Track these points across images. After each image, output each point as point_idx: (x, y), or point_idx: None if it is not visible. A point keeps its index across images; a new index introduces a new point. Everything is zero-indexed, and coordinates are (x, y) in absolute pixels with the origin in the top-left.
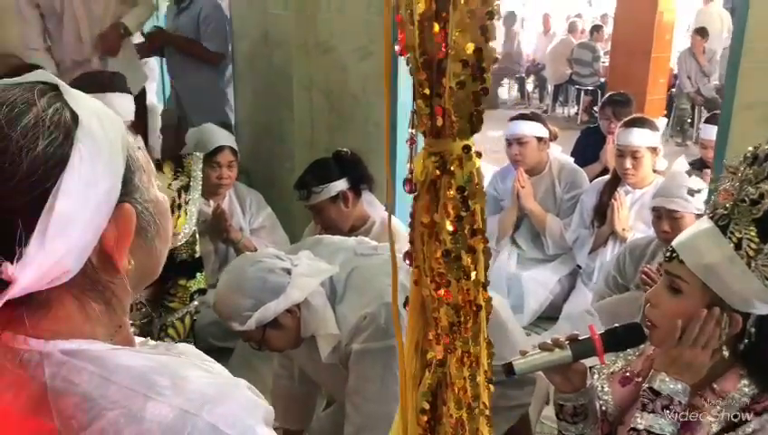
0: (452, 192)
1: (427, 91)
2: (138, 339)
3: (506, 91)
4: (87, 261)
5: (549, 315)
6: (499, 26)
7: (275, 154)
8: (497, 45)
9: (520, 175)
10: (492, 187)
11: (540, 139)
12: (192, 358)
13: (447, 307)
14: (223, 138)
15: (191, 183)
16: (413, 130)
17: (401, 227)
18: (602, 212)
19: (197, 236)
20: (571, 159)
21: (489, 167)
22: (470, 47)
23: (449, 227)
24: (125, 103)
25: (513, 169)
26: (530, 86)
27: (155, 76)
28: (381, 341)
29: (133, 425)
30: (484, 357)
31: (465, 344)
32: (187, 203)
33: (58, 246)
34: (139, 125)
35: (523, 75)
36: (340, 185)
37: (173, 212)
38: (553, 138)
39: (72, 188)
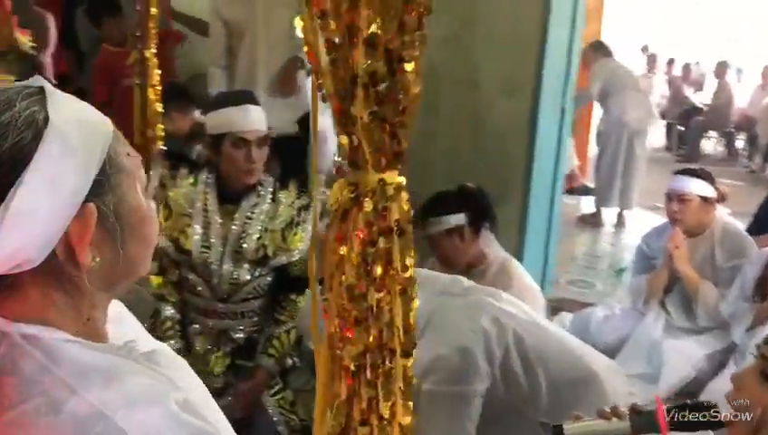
0: (360, 225)
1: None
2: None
3: (712, 145)
4: (53, 253)
5: (691, 391)
6: (710, 75)
7: (414, 182)
8: (705, 96)
9: (676, 235)
10: (645, 243)
11: (705, 198)
12: (159, 366)
13: (350, 347)
14: None
15: (312, 203)
16: (339, 159)
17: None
18: (766, 286)
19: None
20: (740, 224)
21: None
22: (381, 74)
23: (354, 261)
24: (259, 115)
25: (671, 228)
26: (740, 142)
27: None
28: (451, 385)
29: (51, 414)
30: (400, 411)
31: (370, 390)
32: (305, 222)
33: (15, 237)
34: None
35: (733, 130)
36: (459, 219)
37: (291, 229)
38: (721, 199)
39: (35, 184)
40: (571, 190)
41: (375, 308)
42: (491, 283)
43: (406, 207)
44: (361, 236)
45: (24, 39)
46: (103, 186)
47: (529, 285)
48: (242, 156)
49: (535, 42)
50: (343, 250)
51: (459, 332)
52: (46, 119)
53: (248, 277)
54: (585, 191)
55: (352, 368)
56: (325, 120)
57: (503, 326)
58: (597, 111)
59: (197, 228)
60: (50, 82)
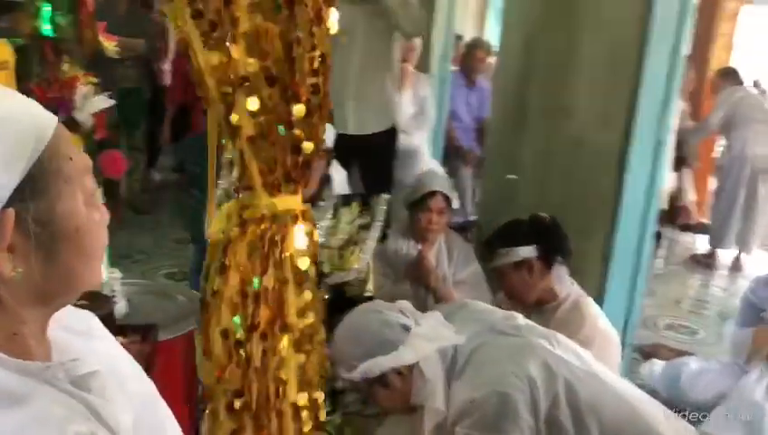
0: (240, 257)
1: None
2: None
3: None
4: None
5: None
6: None
7: (501, 212)
8: None
9: None
10: (752, 291)
11: None
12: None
13: (226, 395)
14: (438, 183)
15: (373, 223)
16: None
17: (603, 322)
18: None
19: (371, 275)
20: None
21: None
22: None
23: (231, 301)
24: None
25: None
26: None
27: None
28: (484, 432)
29: None
30: None
31: None
32: (363, 241)
33: None
34: None
35: None
36: (528, 251)
37: (348, 247)
38: None
39: None
40: (687, 227)
41: (257, 361)
42: (561, 322)
43: (310, 241)
44: (241, 271)
45: (110, 45)
46: (26, 190)
47: (603, 327)
48: None
49: (632, 68)
50: (218, 286)
51: (501, 375)
52: None
53: None
54: (701, 229)
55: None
56: (419, 136)
57: (553, 373)
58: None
59: None
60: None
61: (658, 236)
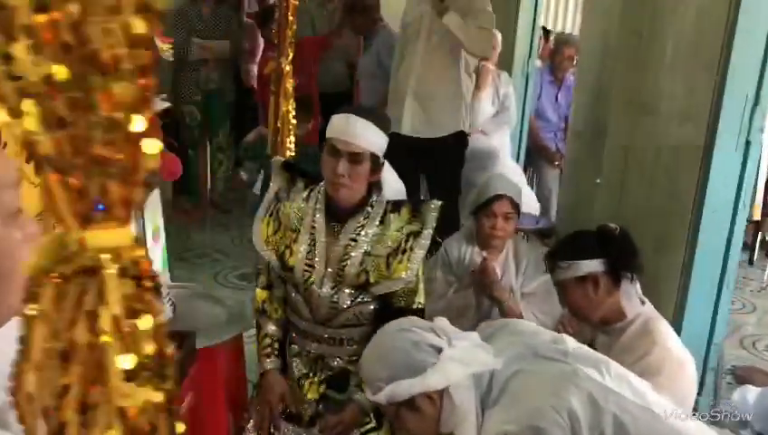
0: (47, 304)
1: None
2: None
3: None
4: None
5: None
6: None
7: (579, 219)
8: None
9: None
10: None
11: None
12: None
13: None
14: (504, 187)
15: (423, 231)
16: None
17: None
18: None
19: (420, 286)
20: None
21: None
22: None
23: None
24: (360, 130)
25: None
26: None
27: None
28: None
29: None
30: None
31: None
32: (412, 250)
33: None
34: None
35: None
36: (593, 266)
37: (396, 256)
38: None
39: None
40: None
41: None
42: (627, 345)
43: (142, 289)
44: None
45: (163, 47)
46: None
47: (675, 352)
48: (330, 165)
49: (717, 60)
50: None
51: (538, 408)
52: None
53: (348, 303)
54: None
55: None
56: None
57: (599, 408)
58: None
59: (303, 245)
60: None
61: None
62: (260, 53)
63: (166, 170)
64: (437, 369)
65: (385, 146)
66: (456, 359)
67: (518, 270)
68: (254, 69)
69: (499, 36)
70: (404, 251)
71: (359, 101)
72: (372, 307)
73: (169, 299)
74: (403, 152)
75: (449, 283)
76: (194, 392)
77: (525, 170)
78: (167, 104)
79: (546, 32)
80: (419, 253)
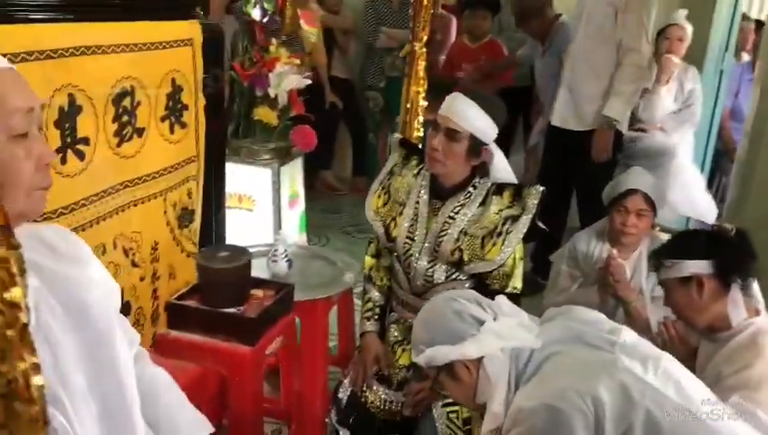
0: None
1: None
2: None
3: None
4: None
5: None
6: None
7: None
8: None
9: None
10: None
11: None
12: None
13: None
14: (639, 182)
15: (522, 216)
16: None
17: None
18: None
19: (516, 271)
20: None
21: None
22: None
23: None
24: (460, 107)
25: None
26: None
27: None
28: None
29: None
30: None
31: None
32: (508, 233)
33: None
34: None
35: None
36: (699, 267)
37: (490, 238)
38: None
39: None
40: None
41: None
42: (729, 355)
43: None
44: None
45: (312, 30)
46: None
47: None
48: (429, 139)
49: None
50: None
51: (560, 389)
52: None
53: (443, 278)
54: None
55: None
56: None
57: (632, 401)
58: None
59: (406, 219)
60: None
61: None
62: (449, 43)
63: (302, 142)
64: (475, 340)
65: (491, 132)
66: (495, 332)
67: (650, 272)
68: (443, 60)
69: (689, 28)
70: (499, 234)
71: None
72: (467, 286)
73: (286, 256)
74: (554, 144)
75: (574, 278)
76: (285, 338)
77: (713, 175)
78: (308, 81)
79: (759, 23)
80: (515, 238)
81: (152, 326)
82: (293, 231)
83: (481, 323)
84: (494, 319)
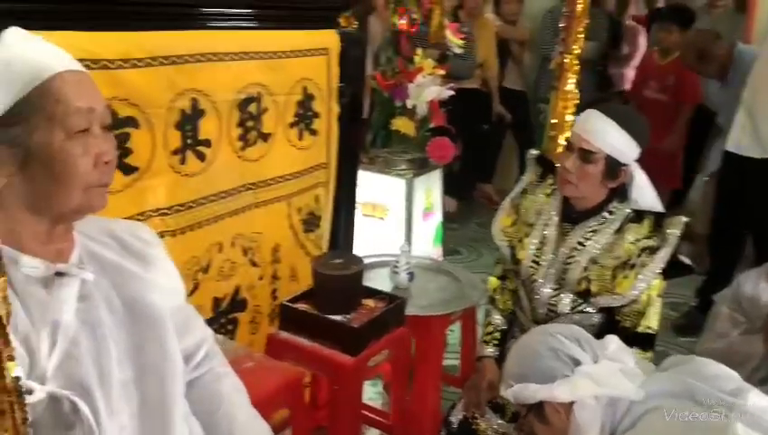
0: None
1: None
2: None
3: None
4: None
5: None
6: None
7: None
8: None
9: None
10: None
11: None
12: None
13: None
14: None
15: (661, 249)
16: None
17: None
18: None
19: (651, 309)
20: None
21: None
22: None
23: None
24: (596, 127)
25: None
26: None
27: None
28: None
29: None
30: None
31: None
32: (643, 266)
33: None
34: None
35: None
36: None
37: (622, 270)
38: None
39: None
40: None
41: None
42: None
43: None
44: None
45: (456, 41)
46: (11, 119)
47: None
48: (562, 159)
49: None
50: None
51: None
52: None
53: (568, 308)
54: None
55: None
56: None
57: None
58: None
59: (534, 241)
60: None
61: None
62: (638, 57)
63: (437, 154)
64: (567, 381)
65: (630, 152)
66: (591, 376)
67: None
68: (630, 73)
69: None
70: (632, 266)
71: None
72: (595, 320)
73: (408, 268)
74: (730, 171)
75: (735, 322)
76: (395, 351)
77: None
78: (451, 92)
79: None
80: (650, 272)
81: (270, 325)
82: (426, 243)
83: (577, 364)
84: (594, 361)
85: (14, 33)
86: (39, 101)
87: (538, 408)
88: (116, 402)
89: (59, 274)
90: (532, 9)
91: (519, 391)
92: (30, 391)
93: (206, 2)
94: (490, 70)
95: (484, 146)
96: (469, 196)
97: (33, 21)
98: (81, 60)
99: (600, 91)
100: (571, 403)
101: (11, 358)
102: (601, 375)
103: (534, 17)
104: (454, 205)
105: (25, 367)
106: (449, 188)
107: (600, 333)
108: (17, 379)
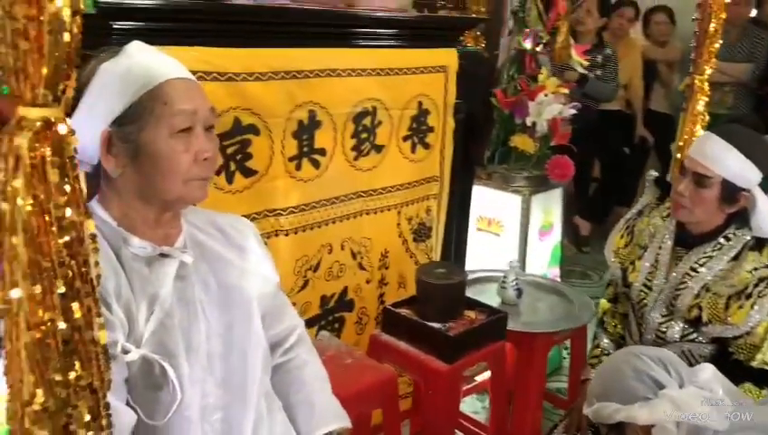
0: None
1: None
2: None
3: None
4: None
5: None
6: None
7: None
8: None
9: None
10: None
11: None
12: None
13: None
14: None
15: None
16: None
17: None
18: None
19: (767, 344)
20: None
21: None
22: None
23: None
24: (713, 150)
25: None
26: None
27: None
28: None
29: None
30: None
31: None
32: (760, 297)
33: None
34: None
35: None
36: None
37: (737, 299)
38: None
39: (82, 106)
40: None
41: None
42: None
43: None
44: None
45: (580, 61)
46: (125, 118)
47: None
48: (676, 182)
49: None
50: None
51: None
52: (98, 65)
53: (677, 336)
54: None
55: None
56: None
57: None
58: None
59: (646, 264)
60: None
61: None
62: None
63: (556, 172)
64: (648, 404)
65: (751, 176)
66: (674, 401)
67: None
68: None
69: None
70: (749, 296)
71: None
72: (707, 351)
73: (516, 284)
74: None
75: None
76: (494, 365)
77: None
78: (573, 111)
79: None
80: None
81: (376, 328)
82: (541, 262)
83: (661, 387)
84: (680, 386)
85: (137, 45)
86: (149, 103)
87: (618, 429)
88: (200, 372)
89: (162, 254)
90: (685, 28)
91: (600, 410)
92: (127, 351)
93: (335, 23)
94: (634, 91)
95: (624, 169)
96: (605, 220)
97: (168, 37)
98: (208, 72)
99: (756, 114)
100: (651, 427)
101: (98, 314)
102: (685, 401)
103: (686, 37)
104: (588, 228)
105: (125, 330)
106: (584, 211)
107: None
108: (102, 326)
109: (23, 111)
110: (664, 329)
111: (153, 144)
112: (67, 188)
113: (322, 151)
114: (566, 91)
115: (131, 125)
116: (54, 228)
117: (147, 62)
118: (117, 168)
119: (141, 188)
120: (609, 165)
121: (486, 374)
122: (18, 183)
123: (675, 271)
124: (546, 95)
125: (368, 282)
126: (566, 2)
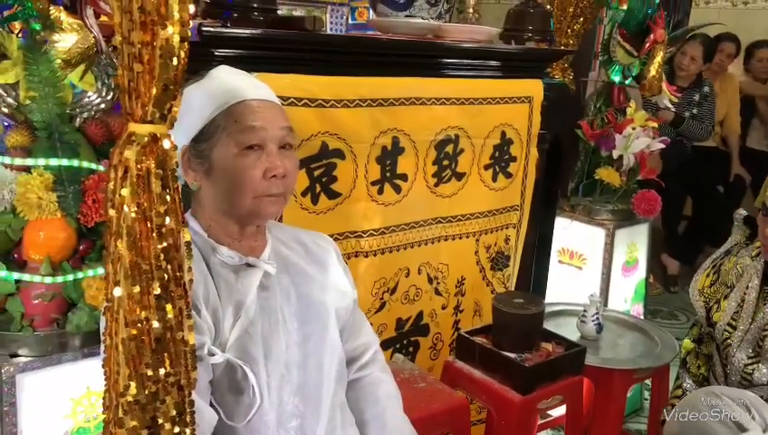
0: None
1: None
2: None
3: None
4: None
5: None
6: None
7: None
8: None
9: None
10: None
11: None
12: None
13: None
14: None
15: None
16: None
17: None
18: None
19: None
20: None
21: None
22: None
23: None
24: None
25: None
26: None
27: None
28: None
29: None
30: None
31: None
32: None
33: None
34: None
35: None
36: None
37: None
38: None
39: (176, 124)
40: None
41: None
42: None
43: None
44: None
45: (671, 96)
46: (200, 137)
47: None
48: (761, 225)
49: None
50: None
51: None
52: (185, 87)
53: (764, 379)
54: None
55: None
56: None
57: None
58: None
59: (732, 303)
60: None
61: None
62: None
63: (642, 207)
64: None
65: None
66: None
67: None
68: None
69: None
70: None
71: None
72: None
73: (597, 319)
74: None
75: None
76: (570, 400)
77: None
78: (661, 145)
79: None
80: None
81: (450, 355)
82: (624, 298)
83: (743, 430)
84: (764, 431)
85: (222, 68)
86: (222, 122)
87: None
88: (278, 379)
89: (248, 265)
90: None
91: None
92: (213, 354)
93: (425, 54)
94: (731, 127)
95: (717, 208)
96: (694, 260)
97: (265, 65)
98: (299, 98)
99: None
100: None
101: (189, 316)
102: None
103: None
104: (676, 267)
105: (212, 335)
106: (672, 249)
107: None
108: (191, 328)
109: (132, 126)
110: (750, 371)
111: (223, 160)
112: (168, 198)
113: (404, 177)
114: (655, 125)
115: (205, 142)
116: (155, 234)
117: (226, 85)
118: (195, 181)
119: (218, 202)
120: (702, 203)
121: (562, 410)
122: (126, 192)
123: (762, 311)
124: (634, 128)
125: (443, 308)
126: (664, 30)
